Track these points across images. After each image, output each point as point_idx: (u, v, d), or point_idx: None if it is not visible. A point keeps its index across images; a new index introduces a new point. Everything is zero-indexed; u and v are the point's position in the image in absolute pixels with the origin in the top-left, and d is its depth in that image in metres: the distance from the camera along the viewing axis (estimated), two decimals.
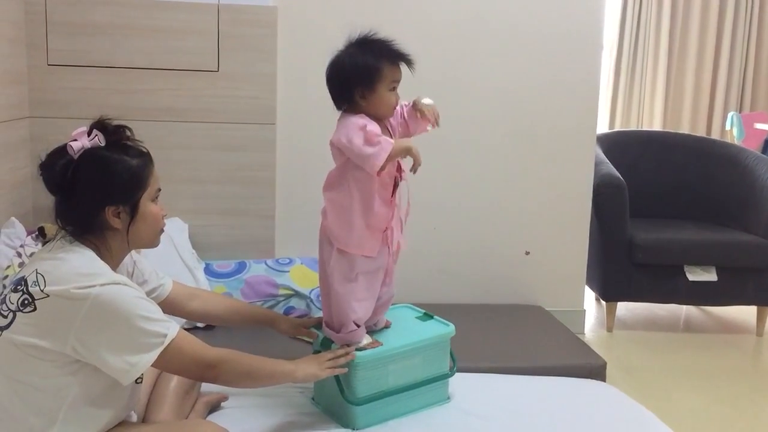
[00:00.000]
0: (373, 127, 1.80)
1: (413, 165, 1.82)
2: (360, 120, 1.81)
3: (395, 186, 1.93)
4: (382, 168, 1.77)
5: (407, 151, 1.79)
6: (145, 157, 1.61)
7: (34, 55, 2.81)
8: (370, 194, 1.86)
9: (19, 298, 1.48)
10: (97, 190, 1.55)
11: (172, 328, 1.53)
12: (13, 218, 2.57)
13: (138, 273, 1.81)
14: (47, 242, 1.61)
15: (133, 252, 1.75)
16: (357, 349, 1.90)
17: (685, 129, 5.51)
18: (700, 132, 5.53)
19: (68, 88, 2.84)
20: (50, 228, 2.49)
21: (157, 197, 1.64)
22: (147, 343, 1.48)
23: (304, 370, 1.77)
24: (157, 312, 1.53)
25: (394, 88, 1.87)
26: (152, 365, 1.50)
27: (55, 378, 1.47)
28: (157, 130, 2.88)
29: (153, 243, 1.67)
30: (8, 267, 2.41)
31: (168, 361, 1.52)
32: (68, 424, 1.49)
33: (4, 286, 2.31)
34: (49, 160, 1.55)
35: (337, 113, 1.92)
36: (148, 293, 1.84)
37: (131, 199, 1.57)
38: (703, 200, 3.99)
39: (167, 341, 1.50)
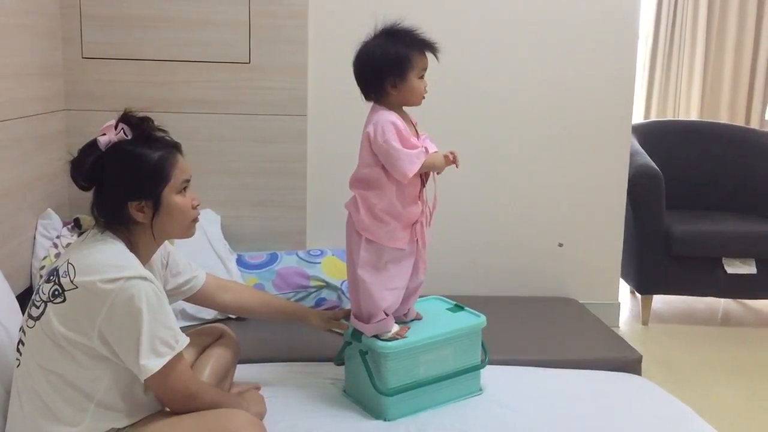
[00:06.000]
0: (404, 128, 1.84)
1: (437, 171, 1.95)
2: (391, 117, 1.84)
3: (423, 183, 1.94)
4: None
5: (434, 168, 1.91)
6: (170, 149, 1.59)
7: (69, 48, 2.84)
8: (401, 194, 1.88)
9: (50, 289, 1.50)
10: (119, 185, 1.55)
11: (181, 341, 1.51)
12: (49, 209, 2.61)
13: (172, 264, 1.82)
14: (82, 233, 1.62)
15: (167, 243, 1.76)
16: (386, 339, 1.90)
17: (723, 118, 5.39)
18: (739, 121, 5.40)
19: (102, 80, 2.87)
20: (86, 219, 2.53)
21: (185, 188, 1.62)
22: (156, 350, 1.46)
23: (253, 408, 1.76)
24: (173, 321, 1.52)
25: (422, 76, 1.91)
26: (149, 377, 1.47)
27: (86, 369, 1.48)
28: (189, 121, 2.90)
29: (185, 234, 1.66)
30: (45, 257, 2.45)
31: (164, 376, 1.48)
32: (99, 414, 1.50)
33: (41, 276, 2.35)
34: (80, 156, 1.56)
35: (367, 104, 1.92)
36: (182, 285, 1.86)
37: (152, 193, 1.56)
38: (742, 191, 3.90)
39: (173, 353, 1.49)
